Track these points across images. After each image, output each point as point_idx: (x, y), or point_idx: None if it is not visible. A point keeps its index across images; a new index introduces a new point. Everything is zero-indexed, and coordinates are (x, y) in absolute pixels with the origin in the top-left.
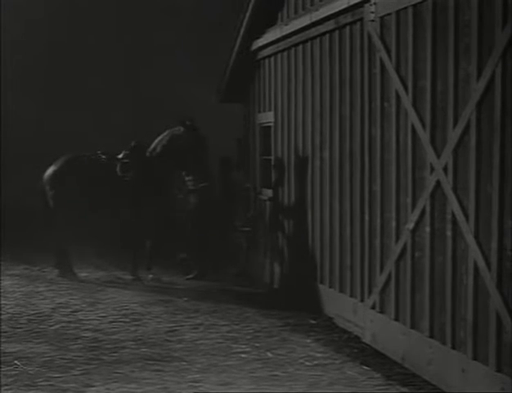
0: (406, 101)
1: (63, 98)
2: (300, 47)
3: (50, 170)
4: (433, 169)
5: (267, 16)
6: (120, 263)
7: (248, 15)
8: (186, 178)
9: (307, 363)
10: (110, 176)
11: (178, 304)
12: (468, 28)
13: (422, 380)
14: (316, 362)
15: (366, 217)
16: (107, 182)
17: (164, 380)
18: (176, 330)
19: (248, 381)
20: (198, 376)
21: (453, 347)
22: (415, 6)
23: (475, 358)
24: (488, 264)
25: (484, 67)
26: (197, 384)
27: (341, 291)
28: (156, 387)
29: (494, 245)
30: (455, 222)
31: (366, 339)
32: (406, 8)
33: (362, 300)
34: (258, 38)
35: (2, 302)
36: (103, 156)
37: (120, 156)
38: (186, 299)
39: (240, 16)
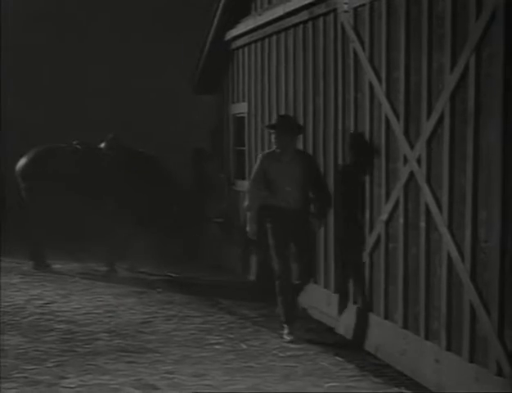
0: (380, 93)
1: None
2: (274, 38)
3: (21, 162)
4: (406, 161)
5: (240, 6)
6: (95, 254)
7: (221, 4)
8: None
9: (281, 355)
10: (85, 167)
11: (152, 296)
12: (441, 19)
13: (395, 371)
14: (289, 353)
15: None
16: (83, 173)
17: (138, 371)
18: (150, 321)
19: (222, 372)
20: (171, 367)
21: (427, 338)
22: None
23: (449, 348)
24: (462, 256)
25: (458, 58)
26: (171, 375)
27: (315, 282)
28: (130, 379)
29: (468, 236)
30: (428, 213)
31: (340, 330)
32: None
33: (336, 292)
34: (231, 28)
35: None
36: (79, 147)
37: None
38: (159, 290)
39: (214, 5)
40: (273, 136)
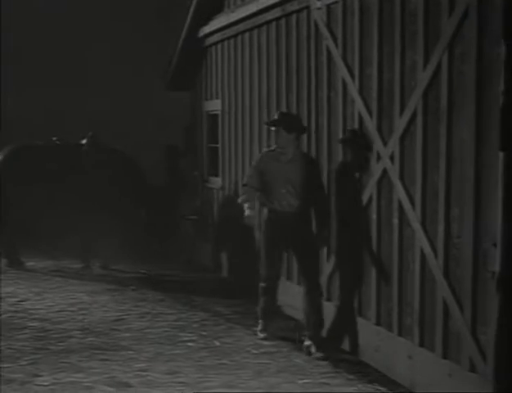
0: (353, 90)
1: None
2: (247, 35)
3: None
4: (379, 157)
5: (213, 3)
6: (70, 252)
7: (195, 1)
8: None
9: (255, 351)
10: (64, 164)
11: (125, 293)
12: (414, 16)
13: (369, 367)
14: (263, 350)
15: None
16: (61, 170)
17: (111, 369)
18: (123, 319)
19: (195, 369)
20: (145, 365)
21: (400, 334)
22: None
23: (422, 345)
24: (435, 252)
25: (431, 56)
26: (144, 373)
27: (288, 278)
28: (103, 377)
29: (441, 232)
30: (401, 210)
31: None
32: None
33: None
34: (204, 24)
35: None
36: (58, 143)
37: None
38: (133, 287)
39: (187, 2)
40: (274, 134)
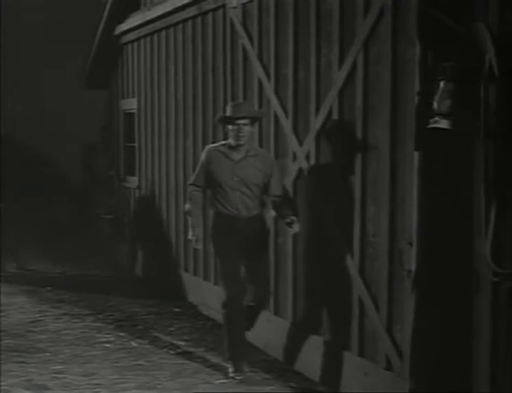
0: (269, 89)
1: None
2: (163, 33)
3: None
4: (295, 157)
5: (130, 0)
6: None
7: None
8: None
9: (172, 352)
10: None
11: (42, 294)
12: (329, 16)
13: (285, 366)
14: (180, 350)
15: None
16: None
17: (28, 372)
18: (40, 320)
19: (112, 371)
20: (61, 367)
21: (316, 333)
22: None
23: None
24: (351, 250)
25: (346, 56)
26: (61, 375)
27: (205, 278)
28: (20, 380)
29: (357, 231)
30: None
31: None
32: None
33: None
34: (120, 22)
35: None
36: None
37: None
38: (49, 288)
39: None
40: (232, 128)
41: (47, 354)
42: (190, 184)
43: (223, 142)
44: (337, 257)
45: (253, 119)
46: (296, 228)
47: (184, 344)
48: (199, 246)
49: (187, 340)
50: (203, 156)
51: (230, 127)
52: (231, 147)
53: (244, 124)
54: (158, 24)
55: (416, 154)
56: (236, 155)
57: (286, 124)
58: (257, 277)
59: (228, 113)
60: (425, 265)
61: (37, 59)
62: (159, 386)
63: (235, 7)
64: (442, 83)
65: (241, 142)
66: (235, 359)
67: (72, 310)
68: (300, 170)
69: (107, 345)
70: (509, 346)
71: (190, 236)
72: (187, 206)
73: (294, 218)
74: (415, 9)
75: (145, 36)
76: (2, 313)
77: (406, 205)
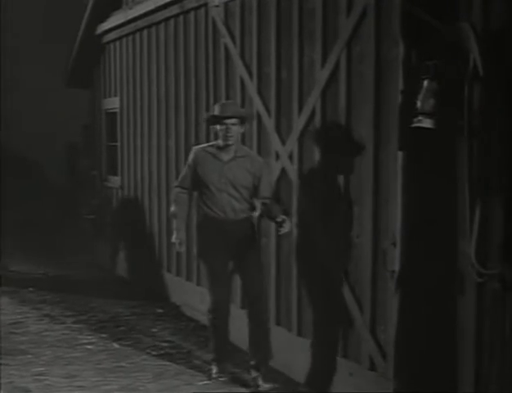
0: (251, 88)
1: None
2: (145, 32)
3: None
4: (278, 157)
5: None
6: None
7: None
8: None
9: (154, 353)
10: None
11: (24, 295)
12: (312, 14)
13: (269, 367)
14: (162, 351)
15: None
16: None
17: (9, 374)
18: (21, 322)
19: (94, 372)
20: (43, 369)
21: (299, 334)
22: None
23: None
24: (335, 251)
25: (329, 55)
26: (42, 377)
27: (188, 279)
28: (1, 382)
29: (340, 231)
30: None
31: None
32: None
33: None
34: (102, 21)
35: None
36: None
37: None
38: (31, 289)
39: None
40: (220, 128)
41: (29, 356)
42: (176, 186)
43: (211, 143)
44: (321, 258)
45: (242, 119)
46: (287, 227)
47: (167, 345)
48: (182, 249)
49: (170, 341)
50: (190, 157)
51: (218, 127)
52: (219, 148)
53: (233, 124)
54: (140, 23)
55: (400, 153)
56: (225, 156)
57: (269, 123)
58: (248, 286)
59: (216, 112)
60: (409, 266)
61: (18, 58)
62: (141, 388)
63: (217, 6)
64: (425, 83)
65: (229, 143)
66: (218, 360)
67: (54, 311)
68: (283, 170)
69: (89, 347)
70: (493, 347)
71: (173, 239)
72: (172, 209)
73: (284, 217)
74: (399, 8)
75: (127, 35)
76: None
77: (389, 205)
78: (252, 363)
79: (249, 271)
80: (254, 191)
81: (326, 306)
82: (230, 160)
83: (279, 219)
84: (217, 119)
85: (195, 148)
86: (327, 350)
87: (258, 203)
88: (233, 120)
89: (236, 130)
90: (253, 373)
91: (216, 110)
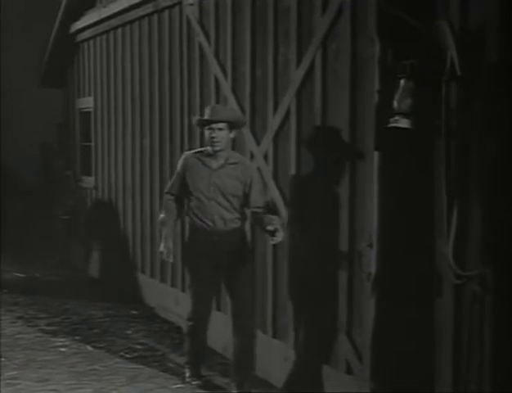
0: (226, 87)
1: None
2: (119, 31)
3: None
4: (253, 157)
5: None
6: None
7: None
8: None
9: (128, 356)
10: None
11: None
12: (287, 13)
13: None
14: (136, 354)
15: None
16: None
17: None
18: None
19: (67, 376)
20: (16, 372)
21: (274, 336)
22: None
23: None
24: (312, 252)
25: (304, 54)
26: (15, 381)
27: (162, 280)
28: None
29: (317, 233)
30: (275, 210)
31: None
32: None
33: (184, 290)
34: (76, 20)
35: None
36: None
37: None
38: (5, 291)
39: None
40: (207, 132)
41: (2, 359)
42: (166, 192)
43: (202, 149)
44: (298, 261)
45: (232, 125)
46: (279, 237)
47: (140, 347)
48: (170, 259)
49: (144, 343)
50: (179, 163)
51: (206, 131)
52: (209, 155)
53: (219, 129)
54: (114, 22)
55: (376, 153)
56: (214, 163)
57: None
58: (234, 298)
59: (205, 116)
60: (386, 267)
61: None
62: (114, 392)
63: (191, 4)
64: (402, 82)
65: (217, 148)
66: (192, 364)
67: (27, 313)
68: (258, 170)
69: (63, 350)
70: (471, 347)
71: (161, 248)
72: (161, 216)
73: (276, 226)
74: (375, 6)
75: (101, 34)
76: None
77: (365, 206)
78: (235, 379)
79: (236, 283)
80: (245, 200)
81: (304, 310)
82: (219, 167)
83: (270, 228)
84: (205, 123)
85: (185, 153)
86: (306, 353)
87: (248, 212)
88: (220, 125)
89: (224, 135)
90: (235, 390)
91: (205, 114)
